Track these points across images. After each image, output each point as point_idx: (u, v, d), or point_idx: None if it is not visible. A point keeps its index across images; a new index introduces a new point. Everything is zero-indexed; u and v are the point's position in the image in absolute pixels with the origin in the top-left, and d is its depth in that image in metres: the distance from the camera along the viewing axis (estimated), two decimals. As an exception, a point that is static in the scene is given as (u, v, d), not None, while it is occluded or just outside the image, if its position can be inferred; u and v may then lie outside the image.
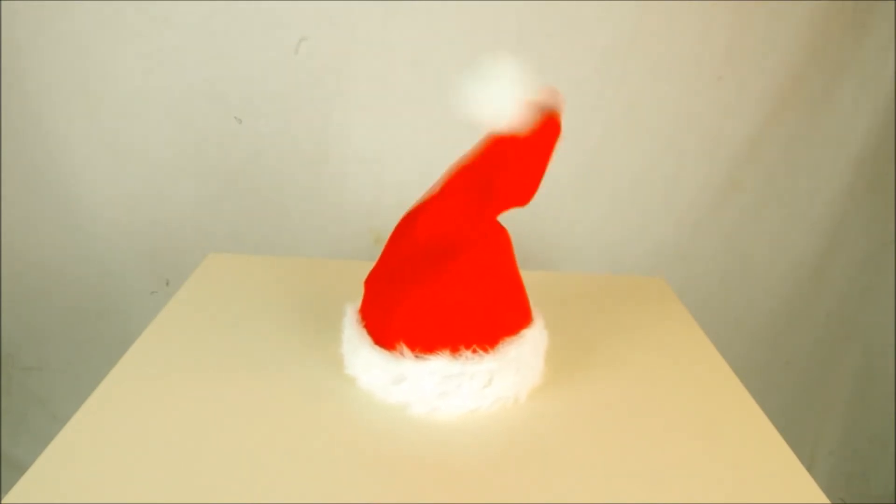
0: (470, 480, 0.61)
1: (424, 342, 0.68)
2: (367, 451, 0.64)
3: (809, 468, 0.64)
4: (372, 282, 0.74)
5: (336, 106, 1.29)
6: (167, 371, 0.75)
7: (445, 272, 0.68)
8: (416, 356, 0.68)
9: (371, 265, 0.75)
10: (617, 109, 1.32)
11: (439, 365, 0.67)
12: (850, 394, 1.63)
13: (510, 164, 0.68)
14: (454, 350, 0.67)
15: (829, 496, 0.61)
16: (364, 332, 0.72)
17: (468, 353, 0.68)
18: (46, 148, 1.28)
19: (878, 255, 1.49)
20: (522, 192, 0.70)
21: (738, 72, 1.29)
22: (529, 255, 1.41)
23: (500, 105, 0.65)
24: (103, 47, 1.22)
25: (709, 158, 1.37)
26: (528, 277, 0.97)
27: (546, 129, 0.68)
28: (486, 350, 0.69)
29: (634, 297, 1.00)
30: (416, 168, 1.32)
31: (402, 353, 0.68)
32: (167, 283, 1.40)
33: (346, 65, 1.26)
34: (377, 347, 0.70)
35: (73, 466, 0.60)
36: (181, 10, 1.20)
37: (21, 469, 0.58)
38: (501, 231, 0.72)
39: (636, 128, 1.34)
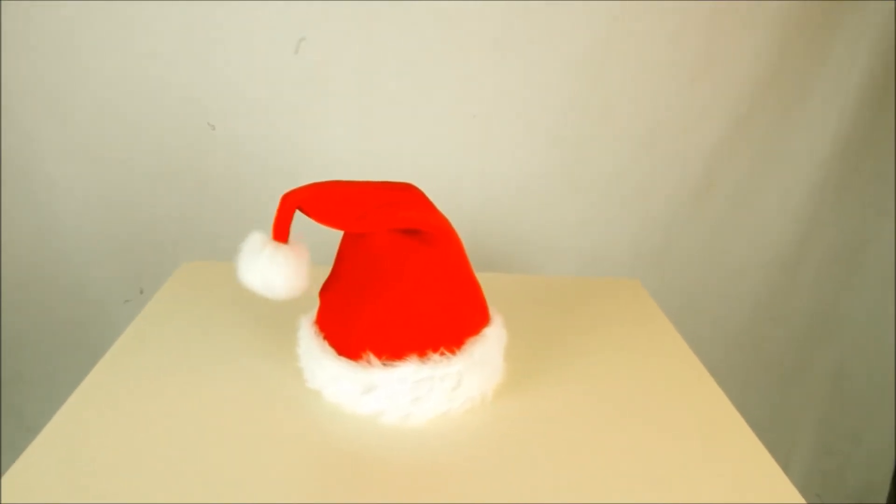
0: (452, 483, 0.62)
1: (391, 349, 0.67)
2: (345, 462, 0.64)
3: (786, 466, 0.65)
4: (328, 292, 0.73)
5: (313, 113, 1.29)
6: (140, 382, 0.74)
7: (403, 276, 0.68)
8: (384, 364, 0.68)
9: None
10: (592, 113, 1.33)
11: (409, 370, 0.67)
12: (826, 392, 1.65)
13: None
14: (422, 354, 0.68)
15: (805, 494, 0.62)
16: (325, 344, 0.71)
17: (436, 356, 0.68)
18: (19, 155, 1.28)
19: (851, 253, 1.52)
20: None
21: (711, 75, 1.31)
22: (506, 258, 1.42)
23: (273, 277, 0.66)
24: (78, 53, 1.21)
25: (683, 161, 1.38)
26: (502, 280, 0.98)
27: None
28: (452, 352, 0.69)
29: (608, 298, 1.01)
30: (397, 174, 1.32)
31: (369, 362, 0.68)
32: (141, 292, 1.40)
33: (322, 73, 1.26)
34: (342, 358, 0.69)
35: (45, 477, 0.59)
36: (156, 16, 1.19)
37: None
38: (451, 231, 0.72)
39: (611, 131, 1.35)
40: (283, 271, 0.66)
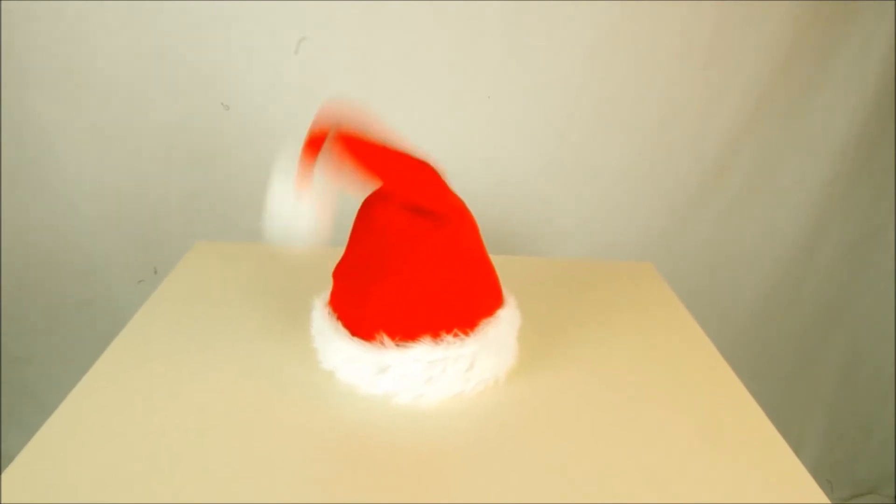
0: (464, 464, 0.62)
1: (404, 330, 0.67)
2: (357, 442, 0.64)
3: (797, 452, 0.65)
4: (341, 273, 0.73)
5: (325, 94, 1.29)
6: (153, 361, 0.74)
7: (417, 257, 0.68)
8: (398, 344, 0.67)
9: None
10: (604, 99, 1.32)
11: (422, 351, 0.67)
12: (837, 381, 1.64)
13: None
14: (435, 335, 0.67)
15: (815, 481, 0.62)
16: (339, 325, 0.71)
17: (449, 338, 0.68)
18: (31, 136, 1.28)
19: (863, 243, 1.51)
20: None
21: (723, 62, 1.30)
22: (518, 242, 1.42)
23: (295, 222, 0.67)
24: (89, 34, 1.21)
25: (695, 148, 1.37)
26: (515, 263, 0.97)
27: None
28: (466, 333, 0.69)
29: (622, 281, 1.01)
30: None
31: (382, 343, 0.68)
32: (155, 272, 1.40)
33: (334, 55, 1.25)
34: (356, 339, 0.69)
35: (60, 456, 0.60)
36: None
37: (7, 458, 0.58)
38: (466, 213, 0.72)
39: (623, 117, 1.34)
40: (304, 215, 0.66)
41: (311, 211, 0.66)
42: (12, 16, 1.19)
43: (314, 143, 0.66)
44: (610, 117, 1.34)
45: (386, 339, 0.67)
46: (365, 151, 0.67)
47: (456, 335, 0.68)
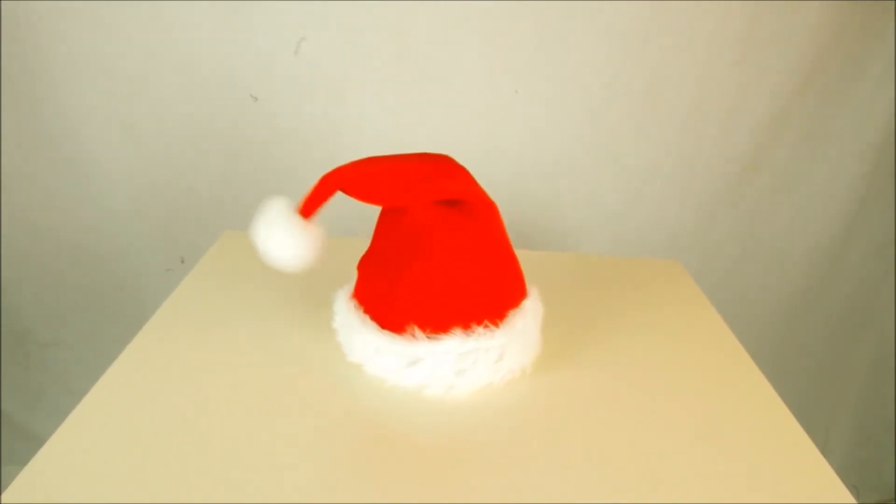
0: (497, 455, 0.62)
1: (436, 322, 0.67)
2: (389, 434, 0.65)
3: (822, 454, 0.64)
4: (367, 265, 0.73)
5: (350, 85, 1.29)
6: (181, 349, 0.75)
7: (447, 249, 0.67)
8: (429, 336, 0.67)
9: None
10: (634, 93, 1.31)
11: (455, 343, 0.67)
12: (864, 381, 1.62)
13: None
14: (466, 327, 0.67)
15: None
16: (366, 318, 0.71)
17: (480, 329, 0.68)
18: (63, 125, 1.29)
19: (892, 243, 1.48)
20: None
21: (756, 56, 1.28)
22: (545, 237, 1.41)
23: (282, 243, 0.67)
24: (119, 24, 1.22)
25: (726, 142, 1.36)
26: (541, 258, 0.97)
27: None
28: (495, 324, 0.69)
29: (649, 278, 1.00)
30: (434, 149, 1.32)
31: (413, 336, 0.67)
32: (182, 261, 1.41)
33: (360, 46, 1.25)
34: (385, 332, 0.69)
35: (90, 440, 0.60)
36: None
37: (38, 441, 0.59)
38: (491, 203, 0.71)
39: (653, 111, 1.33)
40: (295, 245, 0.66)
41: (302, 241, 0.66)
42: (44, 16, 1.20)
43: (321, 194, 0.67)
44: (638, 113, 1.33)
45: (417, 331, 0.67)
46: (376, 178, 0.68)
47: (486, 326, 0.68)
